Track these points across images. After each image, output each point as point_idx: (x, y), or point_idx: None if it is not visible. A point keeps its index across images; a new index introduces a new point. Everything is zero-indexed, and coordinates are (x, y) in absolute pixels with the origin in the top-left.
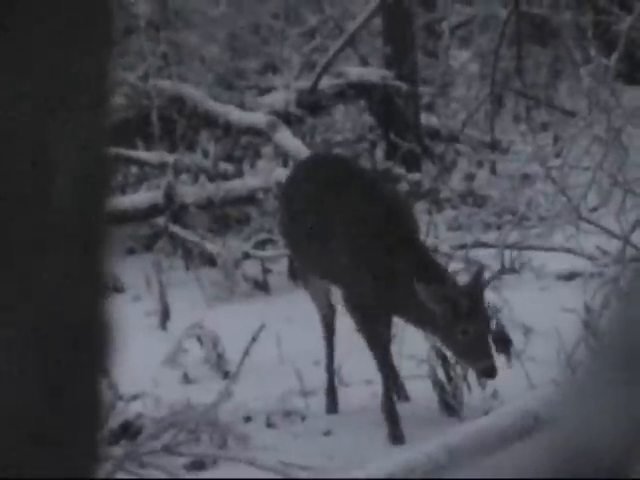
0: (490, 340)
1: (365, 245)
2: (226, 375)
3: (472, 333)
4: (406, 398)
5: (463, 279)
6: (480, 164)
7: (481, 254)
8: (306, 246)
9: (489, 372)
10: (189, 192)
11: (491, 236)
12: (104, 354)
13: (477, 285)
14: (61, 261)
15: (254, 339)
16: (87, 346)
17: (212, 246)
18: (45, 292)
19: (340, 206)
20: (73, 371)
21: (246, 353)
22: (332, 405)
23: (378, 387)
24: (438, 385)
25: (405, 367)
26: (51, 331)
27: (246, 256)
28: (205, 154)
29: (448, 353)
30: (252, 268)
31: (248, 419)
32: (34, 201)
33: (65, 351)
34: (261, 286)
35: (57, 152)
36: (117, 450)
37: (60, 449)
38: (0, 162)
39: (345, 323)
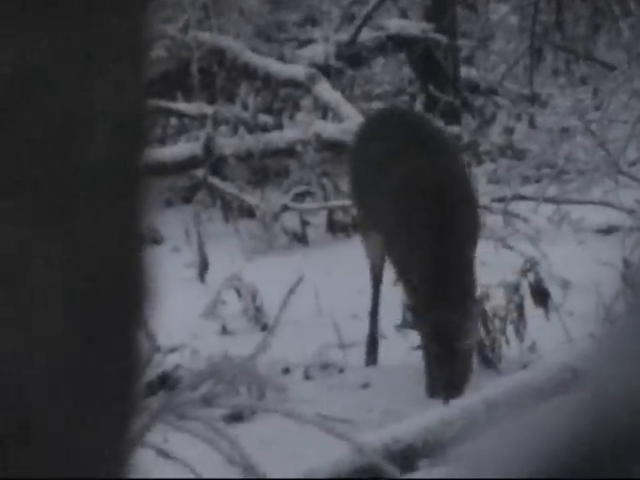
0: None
1: (408, 211)
2: (264, 327)
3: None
4: None
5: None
6: (519, 117)
7: (520, 207)
8: (367, 198)
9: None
10: (228, 144)
11: (530, 189)
12: (142, 306)
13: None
14: (99, 213)
15: (292, 291)
16: (125, 298)
17: (251, 198)
18: (83, 245)
19: (397, 164)
20: (111, 323)
21: (284, 305)
22: (372, 357)
23: (417, 340)
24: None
25: None
26: (89, 284)
27: (285, 208)
28: (244, 106)
29: (487, 306)
30: (291, 220)
31: (286, 371)
32: (72, 154)
33: (103, 303)
34: (299, 239)
35: (95, 105)
36: (155, 402)
37: (97, 401)
38: (37, 116)
39: (384, 278)
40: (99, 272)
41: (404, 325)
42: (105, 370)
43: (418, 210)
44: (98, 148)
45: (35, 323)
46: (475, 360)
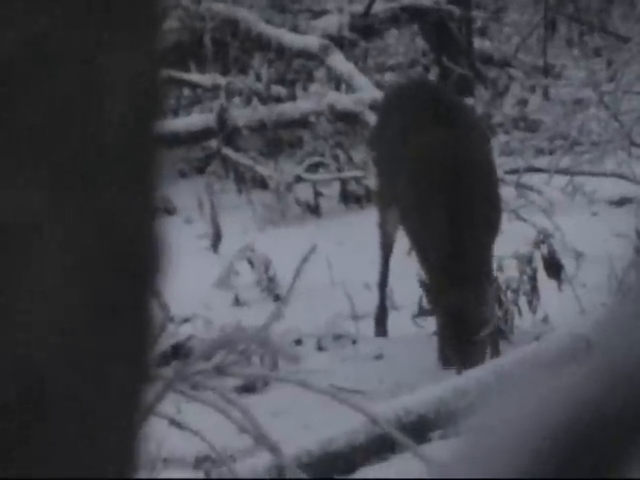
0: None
1: (425, 186)
2: (277, 298)
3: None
4: None
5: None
6: (533, 89)
7: (533, 179)
8: (386, 171)
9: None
10: (242, 115)
11: (543, 161)
12: (156, 276)
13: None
14: (112, 184)
15: (305, 261)
16: (140, 268)
17: (264, 169)
18: (99, 213)
19: (417, 137)
20: (125, 292)
21: (297, 275)
22: (381, 328)
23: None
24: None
25: None
26: (103, 253)
27: (298, 179)
28: (258, 77)
29: (500, 278)
30: (304, 191)
31: (299, 342)
32: (88, 123)
33: (117, 273)
34: (313, 210)
35: (109, 75)
36: (168, 371)
37: (111, 370)
38: (53, 85)
39: (397, 249)
40: (114, 241)
41: (421, 313)
42: (119, 339)
43: (436, 186)
44: (114, 117)
45: (49, 292)
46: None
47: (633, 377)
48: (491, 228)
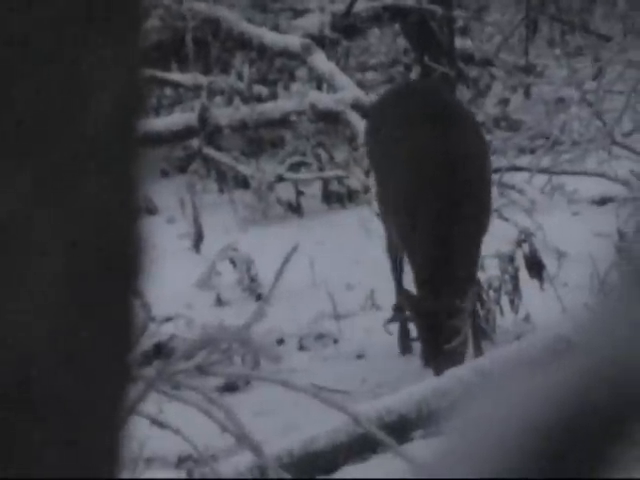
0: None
1: (414, 187)
2: (259, 297)
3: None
4: None
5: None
6: (514, 88)
7: (515, 178)
8: (381, 173)
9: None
10: (223, 114)
11: (524, 160)
12: (138, 276)
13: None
14: (95, 183)
15: (287, 261)
16: (121, 268)
17: (246, 168)
18: (82, 212)
19: (410, 138)
20: (106, 293)
21: (279, 275)
22: (405, 345)
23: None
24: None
25: None
26: (85, 253)
27: (280, 179)
28: (239, 76)
29: (481, 277)
30: (285, 191)
31: (280, 342)
32: (72, 122)
33: (99, 273)
34: (294, 209)
35: (93, 75)
36: (149, 371)
37: (92, 370)
38: (38, 84)
39: (379, 249)
40: (98, 240)
41: (394, 319)
42: (102, 337)
43: (425, 187)
44: (98, 116)
45: (33, 289)
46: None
47: (615, 377)
48: (480, 229)
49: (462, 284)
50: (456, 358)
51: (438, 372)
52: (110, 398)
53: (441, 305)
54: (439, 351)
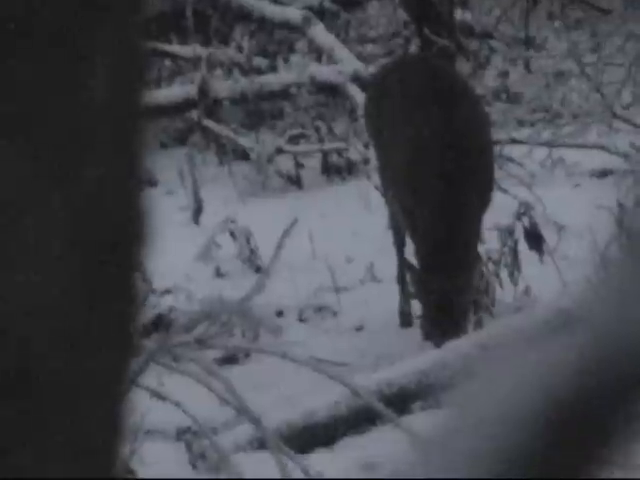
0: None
1: (417, 163)
2: (258, 270)
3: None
4: None
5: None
6: (514, 61)
7: (514, 151)
8: (383, 150)
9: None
10: (223, 86)
11: (524, 133)
12: (140, 249)
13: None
14: (97, 158)
15: (287, 233)
16: (123, 241)
17: (245, 141)
18: (83, 187)
19: (412, 114)
20: (109, 266)
21: (279, 247)
22: (405, 320)
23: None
24: None
25: None
26: (88, 226)
27: (279, 151)
28: (239, 49)
29: (481, 250)
30: (285, 163)
31: (280, 314)
32: (72, 96)
33: (101, 246)
34: (294, 181)
35: (96, 45)
36: (149, 343)
37: (95, 342)
38: (37, 58)
39: (379, 222)
40: (98, 214)
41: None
42: (103, 311)
43: (427, 163)
44: (99, 89)
45: (33, 267)
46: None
47: (618, 352)
48: (483, 204)
49: (465, 260)
50: (459, 332)
51: (440, 345)
52: (112, 370)
53: (451, 284)
54: (444, 327)
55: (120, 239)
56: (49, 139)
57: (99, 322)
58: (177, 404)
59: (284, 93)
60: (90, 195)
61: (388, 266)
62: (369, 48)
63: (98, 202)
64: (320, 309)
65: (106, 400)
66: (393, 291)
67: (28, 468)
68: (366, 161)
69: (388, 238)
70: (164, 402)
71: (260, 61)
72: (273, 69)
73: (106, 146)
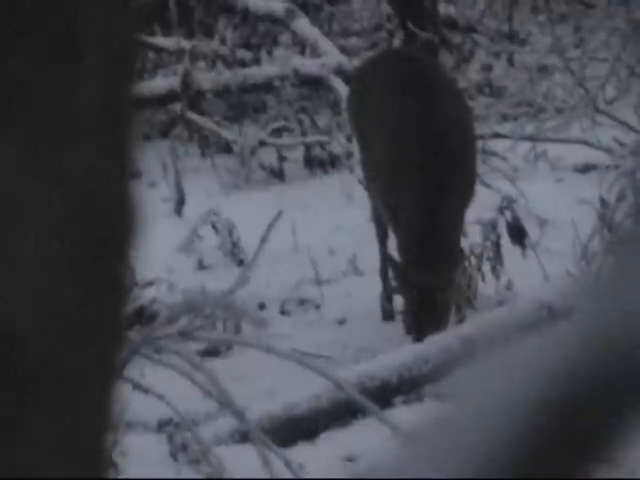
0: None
1: (400, 157)
2: (240, 262)
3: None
4: None
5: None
6: (498, 55)
7: (497, 145)
8: (366, 143)
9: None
10: (206, 79)
11: (507, 127)
12: (128, 240)
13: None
14: (86, 149)
15: (272, 226)
16: (111, 232)
17: (228, 133)
18: (70, 180)
19: (395, 108)
20: (97, 257)
21: (263, 240)
22: (387, 313)
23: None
24: None
25: None
26: (76, 217)
27: (262, 144)
28: (222, 41)
29: (464, 244)
30: (268, 156)
31: (262, 306)
32: (62, 86)
33: (89, 237)
34: (277, 174)
35: (86, 36)
36: (132, 335)
37: (83, 332)
38: (26, 48)
39: (361, 215)
40: (87, 205)
41: (392, 291)
42: (90, 301)
43: (410, 157)
44: (89, 80)
45: (21, 256)
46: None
47: (613, 344)
48: (466, 199)
49: (448, 254)
50: (440, 328)
51: (421, 340)
52: (104, 363)
53: (434, 278)
54: (425, 322)
55: (112, 233)
56: (38, 130)
57: (88, 310)
58: (159, 396)
59: (267, 86)
60: (78, 186)
61: (370, 259)
62: (352, 41)
63: (87, 193)
64: (302, 302)
65: (97, 393)
66: (375, 284)
67: (17, 463)
68: (349, 154)
69: (371, 230)
70: (146, 394)
71: (243, 53)
72: (256, 62)
73: (95, 137)
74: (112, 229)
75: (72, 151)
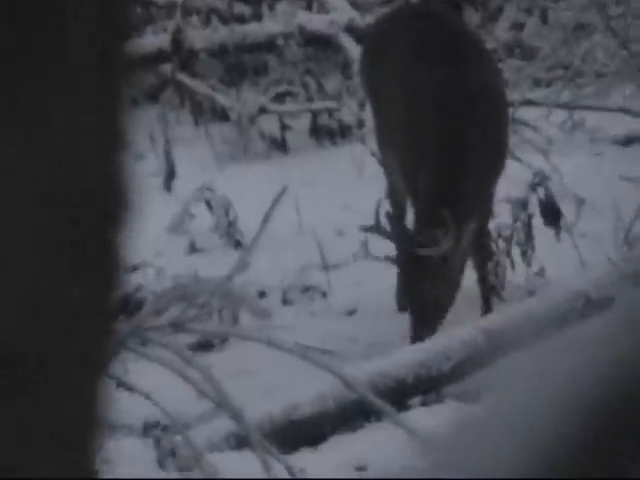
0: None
1: (421, 123)
2: (238, 245)
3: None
4: None
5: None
6: (529, 11)
7: (529, 114)
8: (382, 108)
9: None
10: (199, 36)
11: (540, 94)
12: (121, 216)
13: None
14: (79, 116)
15: (275, 205)
16: (104, 206)
17: (224, 99)
18: (62, 149)
19: (416, 70)
20: (89, 233)
21: (265, 220)
22: (402, 304)
23: None
24: (478, 263)
25: None
26: (68, 190)
27: (263, 110)
28: None
29: (490, 225)
30: (269, 124)
31: (262, 294)
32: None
33: (82, 210)
34: (279, 145)
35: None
36: (117, 326)
37: (75, 313)
38: (14, 14)
39: (374, 191)
40: (77, 179)
41: (374, 229)
42: (82, 280)
43: (432, 124)
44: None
45: (10, 234)
46: (474, 285)
47: None
48: (493, 172)
49: (463, 218)
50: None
51: (417, 335)
52: (86, 358)
53: (440, 244)
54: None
55: (101, 204)
56: (26, 101)
57: (76, 304)
58: (145, 395)
59: (269, 45)
60: (70, 156)
61: (385, 241)
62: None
63: (78, 164)
64: (307, 289)
65: (87, 369)
66: (389, 270)
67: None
68: (361, 123)
69: (385, 209)
70: (130, 393)
71: (242, 8)
72: (257, 17)
73: (86, 105)
74: (102, 202)
75: (63, 114)
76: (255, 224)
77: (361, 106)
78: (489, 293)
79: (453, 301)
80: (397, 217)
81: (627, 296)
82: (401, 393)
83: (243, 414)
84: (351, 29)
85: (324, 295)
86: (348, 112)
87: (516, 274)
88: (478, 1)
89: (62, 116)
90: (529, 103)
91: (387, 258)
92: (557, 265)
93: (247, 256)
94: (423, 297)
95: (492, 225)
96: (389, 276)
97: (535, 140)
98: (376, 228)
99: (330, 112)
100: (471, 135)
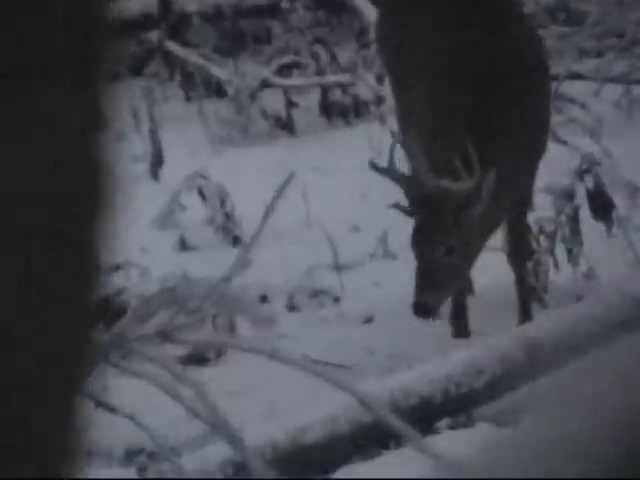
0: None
1: (451, 96)
2: (235, 241)
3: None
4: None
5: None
6: None
7: (576, 89)
8: (403, 80)
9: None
10: None
11: (589, 65)
12: (107, 205)
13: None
14: (56, 88)
15: (279, 194)
16: (87, 192)
17: (220, 71)
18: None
19: (444, 36)
20: (71, 224)
21: (268, 214)
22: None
23: None
24: (515, 262)
25: None
26: (43, 187)
27: (265, 85)
28: None
29: (530, 218)
30: (273, 101)
31: (264, 299)
32: (27, 23)
33: (65, 197)
34: (284, 125)
35: None
36: (96, 335)
37: (58, 307)
38: None
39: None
40: (59, 169)
41: (386, 171)
42: (56, 282)
43: (460, 99)
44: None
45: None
46: (512, 288)
47: None
48: (532, 155)
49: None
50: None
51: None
52: (76, 336)
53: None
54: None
55: (76, 203)
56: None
57: (62, 283)
58: (128, 417)
59: (272, 8)
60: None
61: (406, 237)
62: None
63: (58, 147)
64: (316, 293)
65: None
66: (411, 270)
67: None
68: (379, 100)
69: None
70: (111, 414)
71: None
72: None
73: (64, 78)
74: (76, 198)
75: (36, 92)
76: (256, 217)
77: (379, 80)
78: (528, 297)
79: (469, 268)
80: None
81: None
82: (426, 414)
83: (241, 438)
84: None
85: (336, 300)
86: (364, 87)
87: (560, 275)
88: None
89: (49, 89)
90: (576, 77)
91: (395, 206)
92: (609, 264)
93: (247, 254)
94: (433, 249)
95: (532, 219)
96: (411, 278)
97: (583, 119)
98: (388, 170)
99: (343, 87)
100: (502, 117)
